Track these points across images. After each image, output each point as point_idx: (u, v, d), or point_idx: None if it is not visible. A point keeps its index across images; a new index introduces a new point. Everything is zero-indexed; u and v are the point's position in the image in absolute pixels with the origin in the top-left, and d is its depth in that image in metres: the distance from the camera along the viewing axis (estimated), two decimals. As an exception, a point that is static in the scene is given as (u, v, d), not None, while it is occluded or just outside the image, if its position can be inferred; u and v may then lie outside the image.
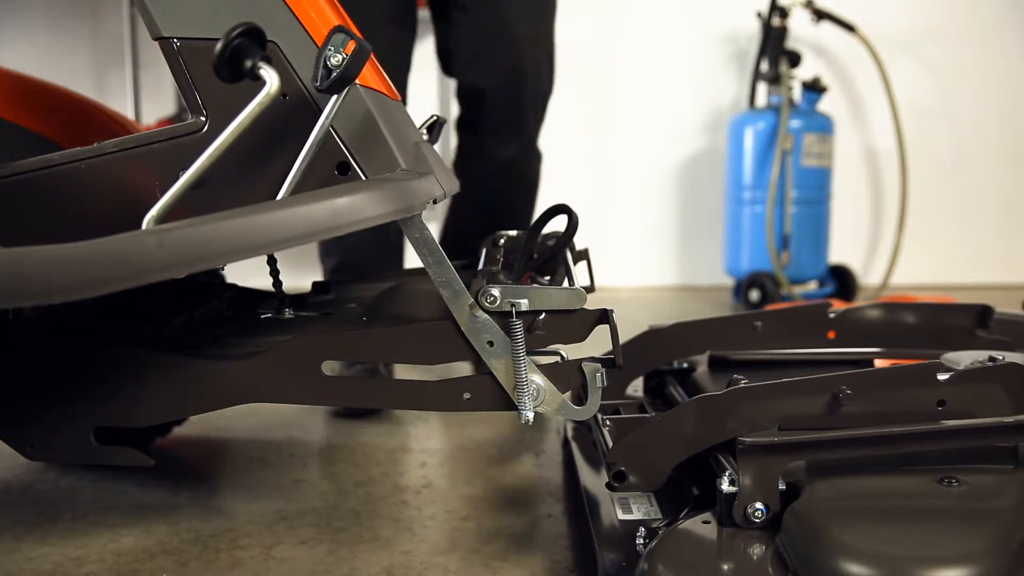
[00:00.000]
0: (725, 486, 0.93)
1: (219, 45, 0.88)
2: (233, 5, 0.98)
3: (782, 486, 0.93)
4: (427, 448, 1.56)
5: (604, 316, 1.01)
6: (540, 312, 0.99)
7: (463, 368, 1.02)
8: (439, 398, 1.03)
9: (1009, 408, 0.99)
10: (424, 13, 3.69)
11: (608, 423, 1.08)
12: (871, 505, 0.90)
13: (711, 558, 0.90)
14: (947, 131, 3.70)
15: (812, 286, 3.34)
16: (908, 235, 3.49)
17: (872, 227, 3.75)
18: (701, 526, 0.94)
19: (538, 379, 0.99)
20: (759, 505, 0.92)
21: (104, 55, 3.63)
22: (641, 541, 0.97)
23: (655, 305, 3.32)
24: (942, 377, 0.99)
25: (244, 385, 1.06)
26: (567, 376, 1.00)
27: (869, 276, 3.68)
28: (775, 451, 0.93)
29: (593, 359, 1.01)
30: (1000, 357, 1.14)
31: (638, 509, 1.06)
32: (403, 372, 1.04)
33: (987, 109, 3.68)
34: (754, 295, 3.13)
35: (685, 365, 1.42)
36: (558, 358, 1.02)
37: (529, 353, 0.99)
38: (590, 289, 1.22)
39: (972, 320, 1.42)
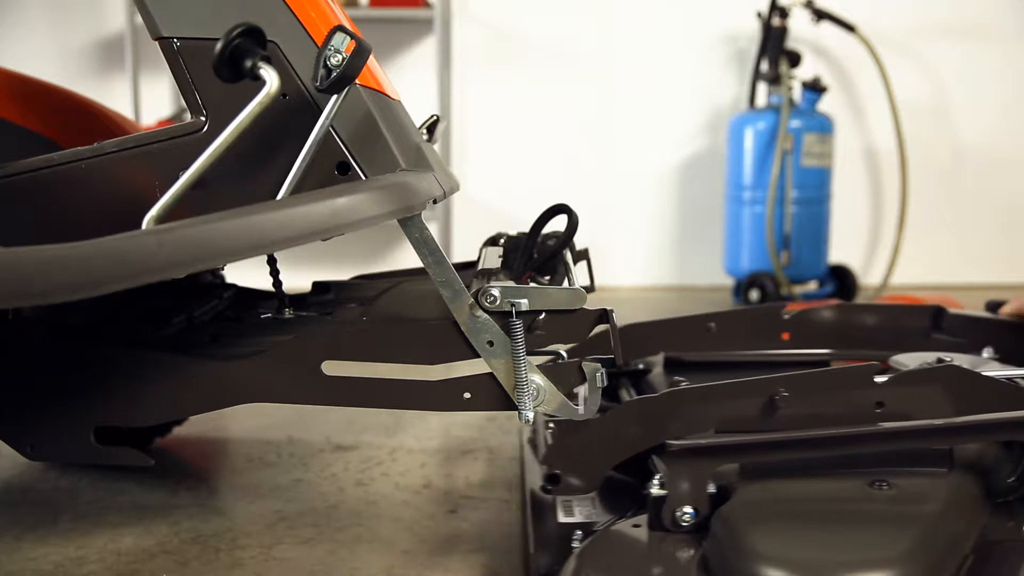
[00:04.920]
0: (654, 490, 0.93)
1: (219, 45, 0.88)
2: (233, 5, 0.98)
3: (712, 489, 0.92)
4: (427, 448, 1.56)
5: (604, 316, 1.01)
6: (540, 312, 0.99)
7: (463, 368, 1.02)
8: (439, 398, 1.03)
9: (949, 410, 0.99)
10: (425, 12, 3.67)
11: (552, 425, 1.06)
12: (797, 509, 0.89)
13: (637, 562, 0.89)
14: (947, 131, 3.70)
15: (812, 286, 3.34)
16: (908, 235, 3.49)
17: (872, 227, 3.75)
18: (631, 529, 0.93)
19: (538, 379, 0.99)
20: (688, 509, 0.91)
21: (104, 55, 3.63)
22: (577, 544, 0.96)
23: (655, 305, 3.32)
24: (880, 379, 0.99)
25: (244, 385, 1.06)
26: (567, 376, 1.00)
27: (869, 276, 3.68)
28: (703, 454, 0.93)
29: (593, 359, 1.00)
30: (949, 359, 1.14)
31: (580, 512, 1.05)
32: (403, 372, 1.04)
33: (987, 109, 3.68)
34: (754, 295, 3.13)
35: (641, 366, 1.41)
36: (558, 358, 1.02)
37: (529, 353, 0.99)
38: (590, 289, 1.22)
39: (927, 321, 1.42)
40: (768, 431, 0.96)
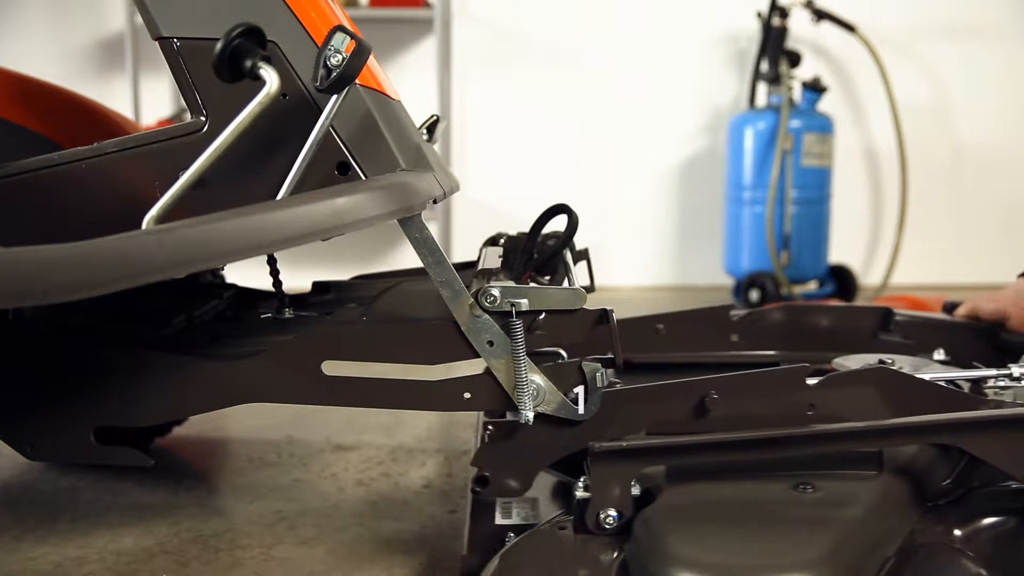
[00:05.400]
0: (579, 492, 0.92)
1: (219, 45, 0.88)
2: (233, 5, 0.98)
3: (636, 492, 0.91)
4: (427, 448, 1.56)
5: (604, 316, 1.01)
6: (540, 312, 0.99)
7: (463, 368, 1.02)
8: (439, 398, 1.03)
9: (882, 413, 0.98)
10: (425, 12, 3.67)
11: (491, 427, 1.06)
12: (718, 512, 0.89)
13: (558, 564, 0.88)
14: (947, 131, 3.69)
15: (812, 286, 3.34)
16: (908, 235, 3.49)
17: (872, 227, 3.75)
18: (557, 532, 0.92)
19: (538, 379, 0.99)
20: (611, 512, 0.90)
21: (104, 55, 3.63)
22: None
23: (655, 305, 3.32)
24: (811, 381, 0.98)
25: (244, 385, 1.06)
26: (567, 376, 1.00)
27: (869, 276, 3.68)
28: (626, 456, 0.92)
29: (593, 359, 1.00)
30: (890, 360, 1.13)
31: (518, 514, 1.04)
32: (403, 372, 1.04)
33: (987, 109, 3.68)
34: (754, 295, 3.13)
35: None
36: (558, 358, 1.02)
37: (529, 353, 0.99)
38: (590, 289, 1.22)
39: (874, 323, 1.41)
40: (699, 433, 0.95)
